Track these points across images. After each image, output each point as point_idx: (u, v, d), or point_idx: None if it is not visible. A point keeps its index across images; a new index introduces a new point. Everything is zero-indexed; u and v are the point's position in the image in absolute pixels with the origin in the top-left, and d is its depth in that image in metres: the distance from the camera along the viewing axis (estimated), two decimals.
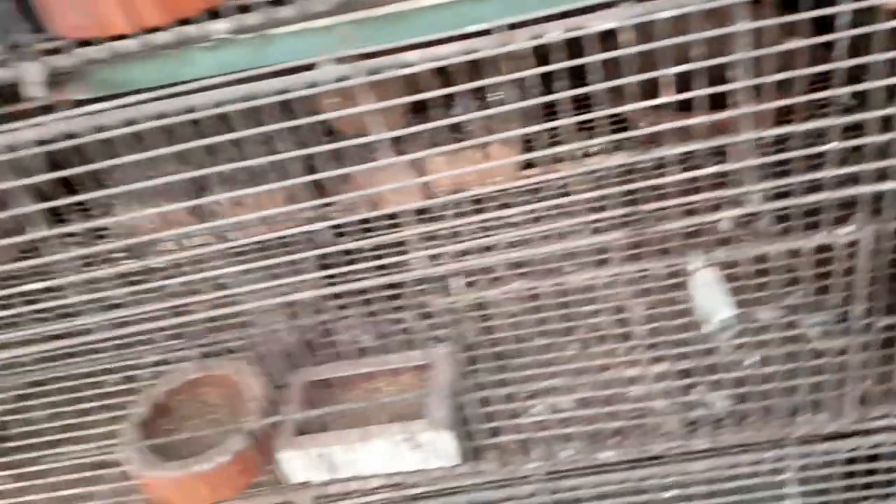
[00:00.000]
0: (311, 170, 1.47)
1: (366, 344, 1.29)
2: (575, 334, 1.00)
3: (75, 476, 1.18)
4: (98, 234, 1.66)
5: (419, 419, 1.06)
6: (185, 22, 0.66)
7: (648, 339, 0.91)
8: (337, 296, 1.21)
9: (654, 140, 0.74)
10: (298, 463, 1.08)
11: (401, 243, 0.93)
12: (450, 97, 0.75)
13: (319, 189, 1.05)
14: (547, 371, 1.01)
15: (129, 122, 0.70)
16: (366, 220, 1.25)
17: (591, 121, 0.74)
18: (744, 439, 0.99)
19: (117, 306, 0.98)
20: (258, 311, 1.24)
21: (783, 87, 0.65)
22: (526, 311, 1.00)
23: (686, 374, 0.95)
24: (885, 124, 0.69)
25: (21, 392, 1.37)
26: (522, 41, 0.61)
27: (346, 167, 0.82)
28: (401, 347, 1.21)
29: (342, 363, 1.20)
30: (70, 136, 0.71)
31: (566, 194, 0.99)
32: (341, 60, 0.67)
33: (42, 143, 0.72)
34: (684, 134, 0.69)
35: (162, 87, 0.71)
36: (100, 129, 0.71)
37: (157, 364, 1.36)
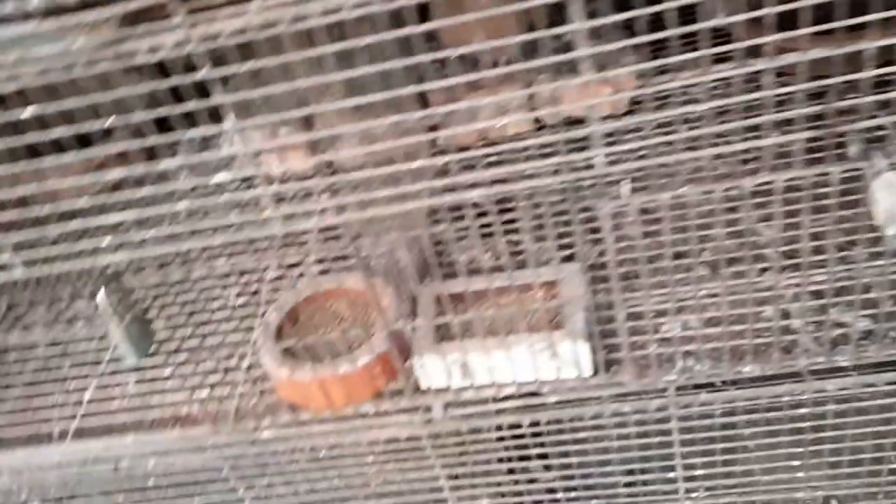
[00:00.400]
0: (422, 96, 1.48)
1: (487, 262, 1.31)
2: (726, 245, 1.01)
3: (209, 381, 1.23)
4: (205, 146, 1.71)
5: (549, 329, 1.08)
6: None
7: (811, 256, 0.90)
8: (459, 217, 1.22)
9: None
10: (435, 368, 1.10)
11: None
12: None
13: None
14: (693, 286, 1.02)
15: (330, 12, 0.71)
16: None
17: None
18: (888, 357, 0.99)
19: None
20: (380, 224, 1.26)
21: None
22: (679, 220, 1.01)
23: (834, 291, 0.95)
24: None
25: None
26: None
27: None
28: (524, 265, 1.22)
29: (468, 278, 1.22)
30: (270, 25, 0.72)
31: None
32: None
33: (241, 32, 0.73)
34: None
35: None
36: (300, 19, 0.72)
37: (276, 278, 1.41)
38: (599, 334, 1.09)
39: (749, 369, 1.03)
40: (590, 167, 0.81)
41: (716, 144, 0.77)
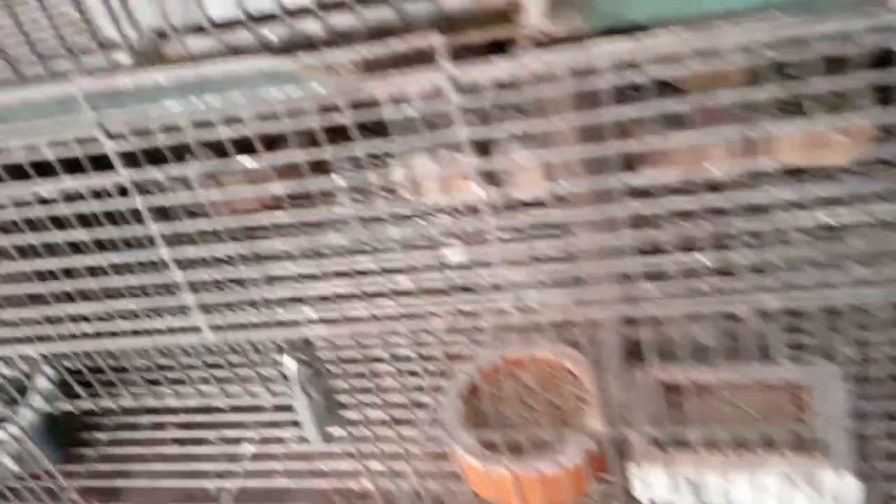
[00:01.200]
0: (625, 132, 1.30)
1: (708, 344, 1.12)
2: None
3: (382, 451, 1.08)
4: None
5: (804, 452, 0.88)
6: None
7: None
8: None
9: None
10: (657, 480, 0.92)
11: None
12: None
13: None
14: None
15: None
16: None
17: None
18: None
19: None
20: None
21: None
22: None
23: None
24: None
25: None
26: None
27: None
28: (753, 356, 1.02)
29: (688, 367, 1.03)
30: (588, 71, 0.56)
31: None
32: None
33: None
34: None
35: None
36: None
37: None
38: (870, 461, 0.88)
39: None
40: None
41: None
